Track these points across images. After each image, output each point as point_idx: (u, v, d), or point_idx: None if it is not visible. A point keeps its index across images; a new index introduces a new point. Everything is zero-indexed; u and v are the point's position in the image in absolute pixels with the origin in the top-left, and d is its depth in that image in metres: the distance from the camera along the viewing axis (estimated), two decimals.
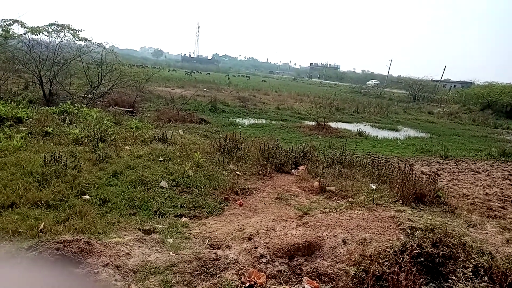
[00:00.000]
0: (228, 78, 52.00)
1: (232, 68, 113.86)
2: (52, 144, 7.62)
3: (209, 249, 4.09)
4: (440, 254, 3.60)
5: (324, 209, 5.17)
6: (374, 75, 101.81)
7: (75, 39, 14.56)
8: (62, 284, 2.98)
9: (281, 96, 30.48)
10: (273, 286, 3.34)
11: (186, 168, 6.72)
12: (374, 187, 6.75)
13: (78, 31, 14.30)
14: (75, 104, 11.60)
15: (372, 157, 10.01)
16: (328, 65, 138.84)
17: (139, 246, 3.87)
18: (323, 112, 19.30)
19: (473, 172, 10.30)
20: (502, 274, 3.44)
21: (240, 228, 4.64)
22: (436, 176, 9.23)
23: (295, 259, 3.80)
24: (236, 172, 7.35)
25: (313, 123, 16.51)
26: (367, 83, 77.48)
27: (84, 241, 3.43)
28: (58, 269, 3.06)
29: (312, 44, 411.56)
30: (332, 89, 54.02)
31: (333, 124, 17.24)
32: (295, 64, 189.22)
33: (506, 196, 8.00)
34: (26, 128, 8.43)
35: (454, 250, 3.68)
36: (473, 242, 3.98)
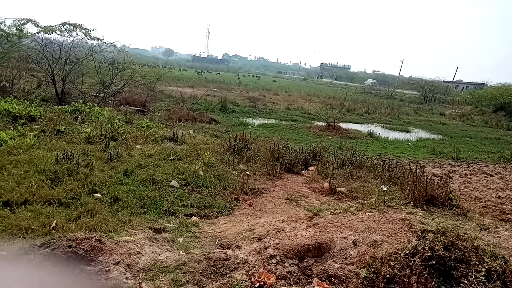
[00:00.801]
0: (238, 78, 52.09)
1: (242, 68, 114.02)
2: (64, 142, 7.70)
3: (219, 248, 4.10)
4: (452, 257, 3.55)
5: (334, 210, 5.15)
6: (385, 76, 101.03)
7: (87, 38, 14.70)
8: (74, 281, 3.01)
9: (291, 96, 30.43)
10: (283, 287, 3.33)
11: (196, 168, 6.74)
12: (385, 189, 6.70)
13: (90, 31, 14.45)
14: (87, 103, 11.72)
15: (383, 159, 9.96)
16: (338, 66, 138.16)
17: (150, 245, 3.90)
18: (333, 112, 19.22)
19: (485, 175, 10.16)
20: None
21: (250, 228, 4.64)
22: (448, 178, 9.14)
23: (305, 260, 3.79)
24: (246, 172, 7.35)
25: (323, 124, 16.44)
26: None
27: (95, 239, 3.47)
28: (70, 266, 3.10)
29: (323, 44, 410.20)
30: (343, 89, 53.74)
31: (343, 125, 17.15)
32: (305, 64, 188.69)
33: None
34: (39, 126, 8.54)
35: (466, 254, 3.63)
36: (485, 245, 3.92)
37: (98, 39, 15.01)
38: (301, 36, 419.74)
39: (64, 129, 8.59)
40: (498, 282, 3.39)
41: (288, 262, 3.75)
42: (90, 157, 6.60)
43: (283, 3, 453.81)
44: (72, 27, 14.10)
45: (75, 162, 6.02)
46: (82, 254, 3.24)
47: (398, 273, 3.36)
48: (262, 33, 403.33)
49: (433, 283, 3.27)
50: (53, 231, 4.03)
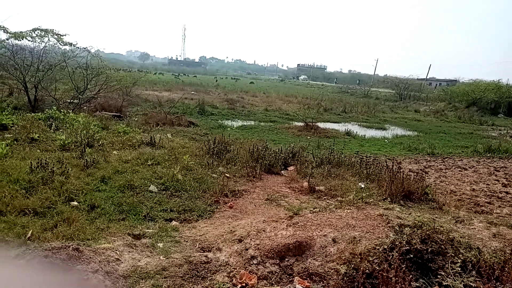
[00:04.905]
0: (216, 81, 51.92)
1: (220, 70, 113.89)
2: (38, 150, 7.52)
3: (200, 252, 4.08)
4: (429, 250, 3.64)
5: (313, 209, 5.20)
6: (361, 75, 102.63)
7: (59, 43, 14.41)
8: None
9: (269, 98, 30.52)
10: (264, 287, 3.35)
11: (175, 172, 6.69)
12: (362, 186, 6.81)
13: (63, 36, 14.15)
14: (61, 110, 11.47)
15: (360, 156, 10.11)
16: (315, 66, 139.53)
17: (129, 251, 3.85)
18: (311, 112, 19.40)
19: (460, 169, 10.45)
20: (490, 268, 3.50)
21: (231, 230, 4.64)
22: (424, 173, 9.36)
23: (286, 259, 3.82)
24: (226, 174, 7.34)
25: (302, 124, 16.57)
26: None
27: (73, 247, 3.40)
28: (46, 276, 3.03)
29: (299, 45, 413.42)
30: (320, 89, 54.28)
31: (321, 125, 17.32)
32: (282, 65, 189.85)
33: (492, 192, 8.14)
34: (11, 135, 8.31)
35: (442, 246, 3.73)
36: (461, 237, 4.04)
37: (71, 44, 14.75)
38: (277, 37, 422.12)
39: (38, 137, 8.39)
40: (473, 272, 3.49)
41: (269, 262, 3.77)
42: (66, 164, 6.46)
43: (259, 5, 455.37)
44: (43, 33, 13.77)
45: (50, 170, 5.88)
46: (59, 263, 3.17)
47: (377, 268, 3.42)
48: (239, 35, 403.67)
49: (411, 276, 3.33)
50: (29, 241, 3.92)
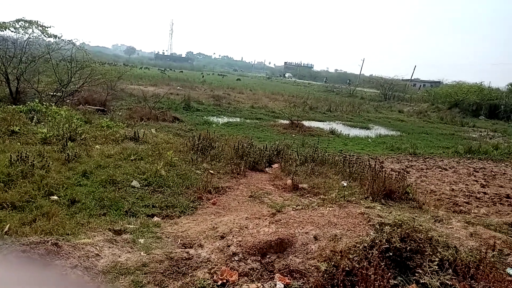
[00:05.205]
0: (203, 76, 51.63)
1: (206, 66, 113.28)
2: (18, 143, 7.37)
3: (181, 248, 4.07)
4: (408, 248, 3.70)
5: (296, 206, 5.23)
6: (347, 74, 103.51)
7: (44, 35, 14.17)
8: (29, 287, 2.90)
9: (256, 95, 30.53)
10: (245, 284, 3.36)
11: (158, 167, 6.64)
12: (345, 184, 6.88)
13: (47, 28, 13.91)
14: (44, 103, 11.26)
15: (344, 155, 10.20)
16: (302, 64, 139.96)
17: (109, 247, 3.81)
18: (297, 111, 19.44)
19: (440, 169, 10.64)
20: (465, 267, 3.58)
21: (213, 227, 4.63)
22: (405, 173, 9.50)
23: (268, 256, 3.83)
24: (210, 171, 7.32)
25: (287, 122, 16.63)
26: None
27: (51, 242, 3.35)
28: (24, 271, 2.98)
29: (287, 43, 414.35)
30: (306, 88, 54.50)
31: (306, 123, 17.41)
32: (269, 63, 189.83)
33: (471, 192, 8.31)
34: None
35: (421, 245, 3.80)
36: (439, 236, 4.12)
37: (55, 36, 14.51)
38: (265, 34, 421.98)
39: (19, 129, 8.22)
40: (450, 270, 3.57)
41: (250, 259, 3.78)
42: (47, 158, 6.36)
43: (248, 2, 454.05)
44: (27, 24, 13.51)
45: (30, 163, 5.77)
46: (37, 258, 3.12)
47: (357, 266, 3.46)
48: (227, 31, 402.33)
49: (390, 273, 3.38)
50: (6, 235, 3.85)
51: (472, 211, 6.87)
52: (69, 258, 3.27)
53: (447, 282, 3.40)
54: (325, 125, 18.38)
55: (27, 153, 6.09)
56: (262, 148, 8.86)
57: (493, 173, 10.63)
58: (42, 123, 9.31)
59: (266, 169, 8.17)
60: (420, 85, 70.48)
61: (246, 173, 7.63)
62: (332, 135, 15.52)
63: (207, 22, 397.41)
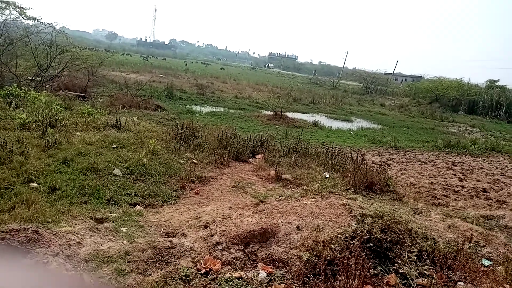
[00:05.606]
0: (186, 65, 51.04)
1: (190, 55, 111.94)
2: None
3: (164, 237, 4.06)
4: (388, 239, 3.79)
5: (279, 196, 5.27)
6: (330, 67, 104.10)
7: (22, 17, 13.73)
8: (8, 275, 2.85)
9: (240, 85, 30.39)
10: (228, 273, 3.38)
11: (140, 156, 6.57)
12: (327, 176, 6.95)
13: (26, 9, 13.50)
14: (22, 87, 10.94)
15: (326, 147, 10.29)
16: (286, 56, 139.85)
17: (91, 235, 3.77)
18: (281, 102, 19.52)
19: (420, 163, 10.86)
20: (443, 257, 3.70)
21: (196, 216, 4.63)
22: (386, 166, 9.67)
23: (251, 245, 3.86)
24: (193, 160, 7.29)
25: (271, 113, 16.65)
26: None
27: (32, 230, 3.29)
28: (3, 259, 2.92)
29: (271, 34, 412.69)
30: (290, 79, 54.56)
31: (290, 114, 17.48)
32: (254, 53, 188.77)
33: (449, 185, 8.53)
34: None
35: (401, 236, 3.89)
36: (418, 228, 4.23)
37: (34, 19, 14.08)
38: (250, 24, 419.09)
39: None
40: (428, 261, 3.68)
41: (234, 248, 3.80)
42: (26, 144, 6.21)
43: None
44: (4, 5, 13.07)
45: (8, 149, 5.63)
46: (17, 246, 3.06)
47: (338, 255, 3.53)
48: (211, 19, 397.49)
49: (370, 263, 3.46)
50: None
51: (450, 204, 7.06)
52: (50, 246, 3.22)
53: (425, 272, 3.50)
54: (308, 117, 18.47)
55: (5, 138, 5.94)
56: (246, 138, 8.86)
57: (471, 167, 10.92)
58: (21, 108, 9.06)
59: (250, 159, 8.18)
60: (402, 79, 71.47)
61: (229, 163, 7.62)
62: (315, 127, 15.63)
63: (191, 9, 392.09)
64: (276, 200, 5.04)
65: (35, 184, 5.04)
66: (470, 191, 8.22)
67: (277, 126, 14.34)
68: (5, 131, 7.07)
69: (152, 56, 65.22)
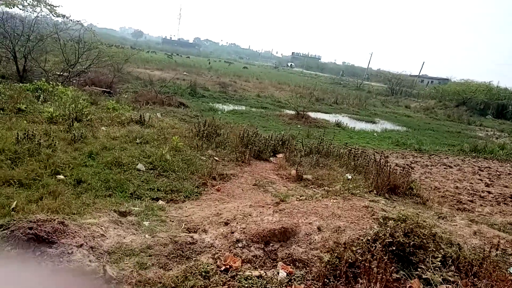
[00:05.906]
0: (209, 63, 51.37)
1: (213, 53, 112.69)
2: (25, 121, 7.39)
3: (186, 232, 4.09)
4: (411, 243, 3.71)
5: (300, 196, 5.25)
6: (354, 68, 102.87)
7: (52, 15, 14.07)
8: (35, 263, 2.93)
9: (262, 84, 30.39)
10: (248, 271, 3.38)
11: (163, 152, 6.65)
12: (349, 177, 6.87)
13: (56, 7, 13.82)
14: (50, 82, 11.25)
15: (349, 148, 10.18)
16: (309, 55, 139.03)
17: (114, 228, 3.84)
18: (303, 101, 19.37)
19: (445, 166, 10.61)
20: (468, 264, 3.59)
21: (217, 213, 4.65)
22: (410, 168, 9.48)
23: (271, 244, 3.85)
24: (215, 157, 7.33)
25: (293, 112, 16.59)
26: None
27: (58, 221, 3.37)
28: (30, 248, 3.01)
29: (295, 33, 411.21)
30: (313, 79, 54.20)
31: (312, 114, 17.37)
32: (276, 53, 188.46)
33: (475, 191, 8.29)
34: None
35: (424, 240, 3.80)
36: (442, 233, 4.12)
37: (64, 16, 14.42)
38: (274, 23, 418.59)
39: (25, 107, 8.24)
40: (453, 267, 3.58)
41: (254, 246, 3.80)
42: (53, 137, 6.38)
43: None
44: (36, 2, 13.42)
45: (36, 142, 5.80)
46: (44, 236, 3.14)
47: (360, 258, 3.47)
48: (235, 18, 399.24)
49: (393, 267, 3.40)
50: (13, 212, 3.88)
51: (476, 209, 6.86)
52: (75, 237, 3.29)
53: (450, 278, 3.41)
54: (331, 117, 18.31)
55: (34, 131, 6.11)
56: (267, 137, 8.85)
57: (498, 172, 10.59)
58: (49, 102, 9.32)
59: (271, 158, 8.17)
60: (428, 82, 69.95)
61: (250, 161, 7.63)
62: (337, 127, 15.48)
63: (216, 8, 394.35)
64: (297, 200, 5.01)
65: (61, 176, 5.17)
66: (497, 197, 7.97)
67: (299, 126, 14.27)
68: (34, 124, 7.28)
69: (176, 54, 66.02)
